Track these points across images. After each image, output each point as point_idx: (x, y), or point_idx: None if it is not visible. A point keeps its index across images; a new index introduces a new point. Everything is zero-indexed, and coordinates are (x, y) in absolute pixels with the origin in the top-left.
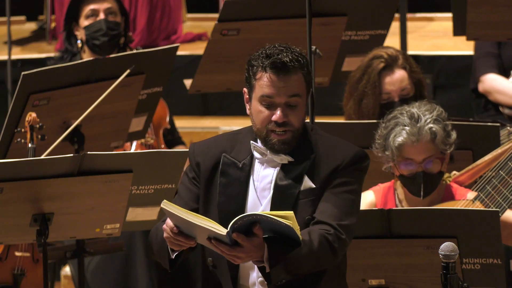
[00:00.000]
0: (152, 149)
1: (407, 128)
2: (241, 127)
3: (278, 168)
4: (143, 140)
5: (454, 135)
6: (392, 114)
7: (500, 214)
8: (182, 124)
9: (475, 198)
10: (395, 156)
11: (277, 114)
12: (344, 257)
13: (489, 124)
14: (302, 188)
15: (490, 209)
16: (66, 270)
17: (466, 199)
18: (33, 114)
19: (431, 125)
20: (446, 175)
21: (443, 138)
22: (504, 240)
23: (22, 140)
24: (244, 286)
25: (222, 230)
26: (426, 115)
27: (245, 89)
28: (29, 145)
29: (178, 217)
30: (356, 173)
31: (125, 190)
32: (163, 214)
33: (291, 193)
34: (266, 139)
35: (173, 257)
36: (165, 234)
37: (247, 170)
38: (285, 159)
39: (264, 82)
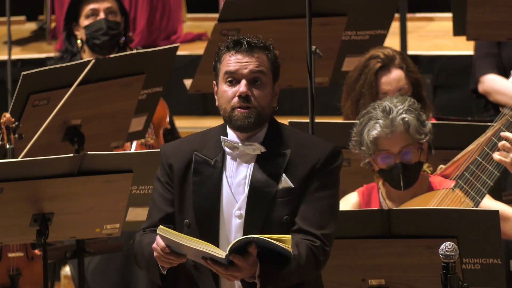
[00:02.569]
0: (152, 149)
1: (380, 121)
2: (214, 126)
3: (252, 164)
4: (143, 140)
5: (429, 124)
6: (365, 110)
7: (479, 200)
8: (182, 124)
9: (455, 186)
10: (371, 151)
11: (241, 88)
12: None
13: (489, 124)
14: (280, 186)
15: (471, 198)
16: (66, 270)
17: (446, 188)
18: (7, 115)
19: (403, 115)
20: (426, 165)
21: (417, 127)
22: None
23: (0, 142)
24: (225, 284)
25: (222, 254)
26: (398, 106)
27: (214, 82)
28: (7, 146)
29: (175, 243)
30: (333, 174)
31: (125, 190)
32: None
33: (268, 191)
34: (230, 117)
35: (165, 272)
36: (155, 253)
37: (220, 167)
38: (257, 149)
39: (227, 60)
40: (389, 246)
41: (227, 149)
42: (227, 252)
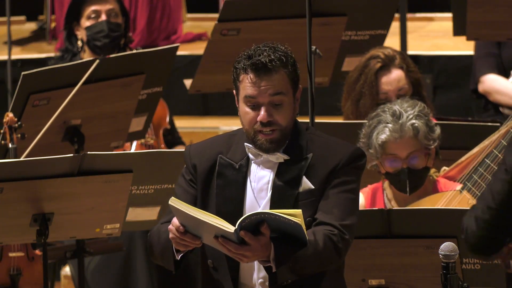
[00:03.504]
0: (152, 149)
1: (389, 125)
2: (240, 127)
3: (275, 169)
4: (143, 140)
5: (438, 130)
6: (375, 112)
7: None
8: (182, 124)
9: (462, 188)
10: (379, 154)
11: (261, 114)
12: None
13: (489, 124)
14: (301, 189)
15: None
16: (66, 270)
17: (453, 190)
18: (10, 114)
19: (413, 121)
20: (433, 170)
21: (426, 133)
22: None
23: (2, 142)
24: (244, 286)
25: (230, 228)
26: (408, 111)
27: (234, 91)
28: (10, 145)
29: (185, 215)
30: (353, 172)
31: (125, 190)
32: (163, 214)
33: (290, 194)
34: (254, 139)
35: (179, 258)
36: (170, 235)
37: (244, 171)
38: (280, 157)
39: (246, 83)
40: (389, 246)
41: (251, 155)
42: (236, 227)
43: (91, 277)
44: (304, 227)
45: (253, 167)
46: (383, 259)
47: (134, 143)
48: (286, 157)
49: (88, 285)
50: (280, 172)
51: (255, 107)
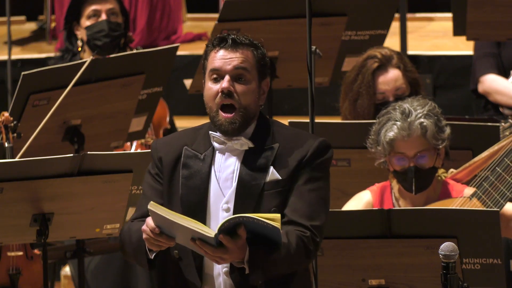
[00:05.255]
0: None
1: (398, 123)
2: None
3: (240, 159)
4: (143, 140)
5: (447, 130)
6: (385, 110)
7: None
8: (182, 124)
9: (472, 195)
10: (387, 151)
11: (224, 83)
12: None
13: (489, 124)
14: (267, 179)
15: (489, 209)
16: (66, 270)
17: (463, 197)
18: (5, 114)
19: (422, 119)
20: (441, 170)
21: (434, 133)
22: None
23: None
24: (209, 276)
25: (210, 233)
26: (418, 110)
27: (203, 81)
28: (6, 144)
29: (163, 219)
30: (323, 167)
31: (125, 190)
32: None
33: (256, 184)
34: (215, 119)
35: (152, 257)
36: (144, 235)
37: (209, 162)
38: (245, 144)
39: (212, 57)
40: (389, 246)
41: (215, 144)
42: (216, 231)
43: (91, 277)
44: (281, 231)
45: (218, 157)
46: (383, 259)
47: (134, 143)
48: (250, 144)
49: (88, 285)
50: (246, 161)
51: (218, 80)
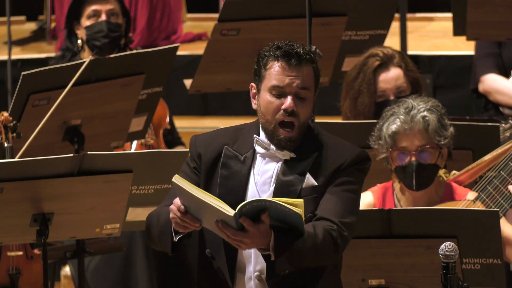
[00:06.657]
0: (152, 149)
1: (400, 116)
2: (247, 122)
3: (280, 163)
4: (143, 140)
5: (450, 129)
6: (390, 107)
7: (501, 215)
8: (182, 124)
9: (476, 199)
10: (388, 145)
11: (287, 102)
12: (341, 255)
13: (489, 124)
14: (304, 185)
15: (490, 209)
16: (66, 270)
17: (466, 200)
18: (5, 113)
19: (424, 113)
20: (443, 171)
21: (437, 128)
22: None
23: None
24: (241, 279)
25: (230, 211)
26: (420, 105)
27: (252, 84)
28: (5, 144)
29: (187, 193)
30: (357, 174)
31: (125, 190)
32: None
33: (293, 189)
34: (273, 133)
35: (176, 240)
36: (171, 214)
37: (249, 164)
38: (287, 155)
39: (275, 71)
40: (389, 246)
41: (258, 148)
42: (236, 211)
43: (91, 277)
44: (303, 217)
45: (258, 160)
46: (383, 259)
47: (134, 143)
48: (292, 155)
49: (88, 285)
50: (285, 167)
51: (280, 96)
